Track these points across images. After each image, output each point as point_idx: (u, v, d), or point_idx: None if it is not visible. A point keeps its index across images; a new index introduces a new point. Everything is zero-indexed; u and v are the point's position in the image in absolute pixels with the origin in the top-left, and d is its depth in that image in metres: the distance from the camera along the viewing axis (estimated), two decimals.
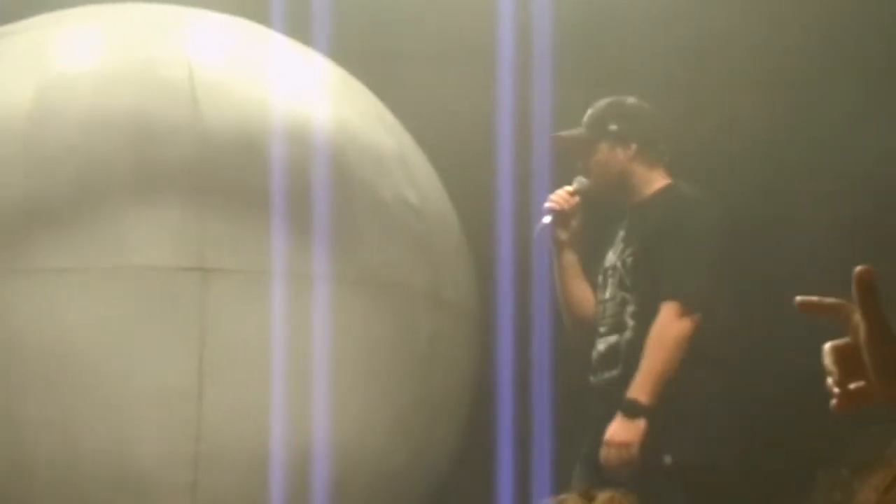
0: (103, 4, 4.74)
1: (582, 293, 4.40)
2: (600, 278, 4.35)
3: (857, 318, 1.38)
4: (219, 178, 4.24)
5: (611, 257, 4.33)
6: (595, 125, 4.35)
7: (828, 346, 1.42)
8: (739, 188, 4.76)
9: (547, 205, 4.36)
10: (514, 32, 4.46)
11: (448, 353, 4.47)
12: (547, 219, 4.35)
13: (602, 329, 4.26)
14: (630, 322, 4.18)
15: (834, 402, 1.42)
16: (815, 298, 1.44)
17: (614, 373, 4.18)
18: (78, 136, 4.21)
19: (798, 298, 1.45)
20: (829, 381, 1.42)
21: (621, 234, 4.33)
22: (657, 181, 4.32)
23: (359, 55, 4.98)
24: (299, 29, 4.77)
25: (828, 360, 1.42)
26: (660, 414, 4.04)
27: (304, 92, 4.56)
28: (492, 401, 4.51)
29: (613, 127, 4.32)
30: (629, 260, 4.24)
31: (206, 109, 4.29)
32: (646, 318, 4.10)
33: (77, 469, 4.08)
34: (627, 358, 4.15)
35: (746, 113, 4.86)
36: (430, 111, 4.99)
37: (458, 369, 4.57)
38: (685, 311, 4.04)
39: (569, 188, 4.37)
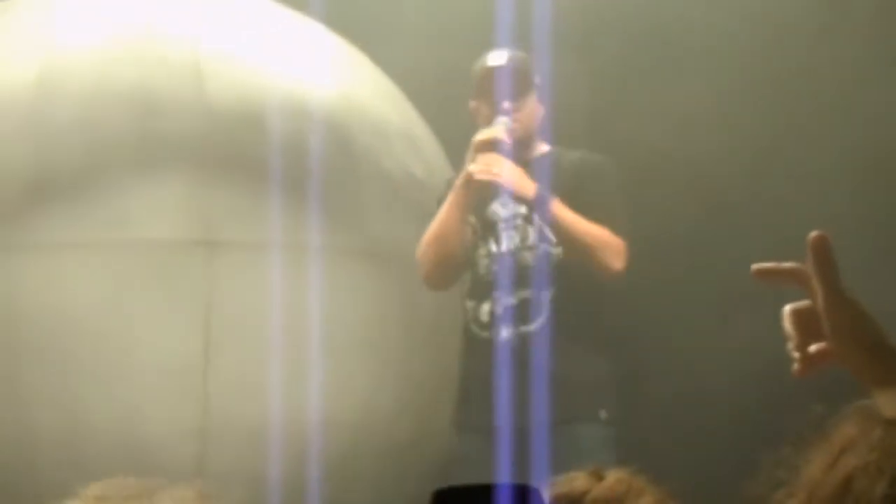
0: None
1: (465, 234, 4.29)
2: (480, 229, 4.22)
3: (815, 282, 1.38)
4: (223, 151, 4.24)
5: (501, 210, 4.21)
6: (529, 72, 4.23)
7: (787, 309, 1.42)
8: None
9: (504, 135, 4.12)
10: (513, 11, 4.43)
11: (453, 324, 4.46)
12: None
13: (506, 281, 4.14)
14: (556, 275, 4.13)
15: (795, 366, 1.42)
16: (771, 265, 1.44)
17: (532, 326, 4.14)
18: (82, 110, 4.22)
19: (754, 267, 1.44)
20: (789, 345, 1.41)
21: None
22: (540, 146, 4.29)
23: (364, 31, 4.98)
24: (306, 3, 4.77)
25: (787, 323, 1.42)
26: (597, 371, 4.08)
27: (308, 66, 4.56)
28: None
29: (538, 81, 4.27)
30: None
31: (210, 84, 4.30)
32: (569, 272, 4.10)
33: (83, 443, 4.09)
34: (559, 310, 4.13)
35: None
36: (430, 87, 5.00)
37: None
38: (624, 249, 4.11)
39: (503, 126, 4.14)
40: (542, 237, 4.15)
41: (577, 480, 2.06)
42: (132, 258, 4.13)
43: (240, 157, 4.25)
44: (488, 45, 4.36)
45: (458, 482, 3.94)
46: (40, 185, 4.15)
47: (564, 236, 4.09)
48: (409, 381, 4.39)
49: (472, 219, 4.22)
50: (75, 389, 4.09)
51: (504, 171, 4.07)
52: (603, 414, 4.11)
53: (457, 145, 4.86)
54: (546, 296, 4.13)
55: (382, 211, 4.37)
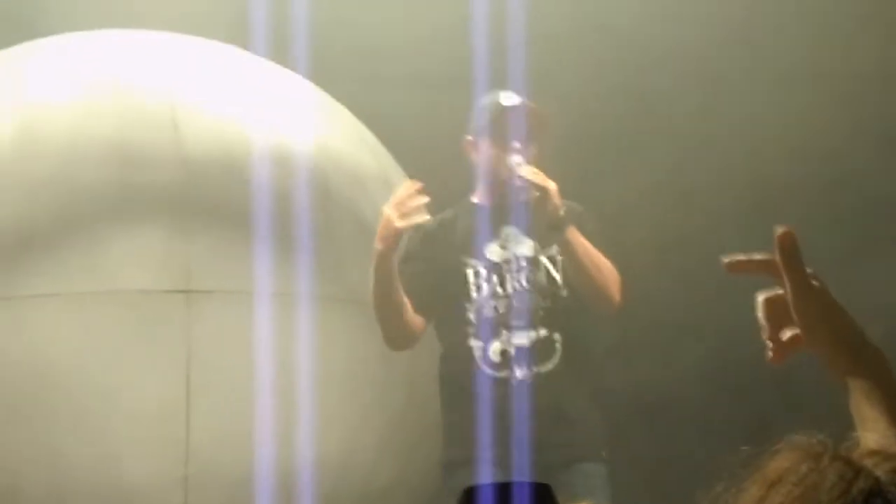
0: (84, 32, 4.80)
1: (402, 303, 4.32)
2: (483, 272, 4.25)
3: (784, 275, 1.41)
4: (201, 201, 4.29)
5: (502, 251, 4.25)
6: (540, 119, 4.27)
7: (761, 298, 1.45)
8: None
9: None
10: (489, 59, 4.49)
11: (429, 370, 4.49)
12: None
13: (517, 322, 4.19)
14: (565, 318, 4.21)
15: (769, 354, 1.45)
16: (742, 257, 1.46)
17: (549, 366, 4.18)
18: (61, 163, 4.27)
19: (725, 260, 1.47)
20: (763, 334, 1.45)
21: (511, 230, 4.24)
22: None
23: (339, 79, 5.04)
24: (281, 53, 4.82)
25: (761, 314, 1.45)
26: (598, 410, 4.20)
27: (284, 114, 4.61)
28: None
29: (542, 131, 4.28)
30: (559, 258, 4.22)
31: (186, 134, 4.35)
32: (577, 315, 4.18)
33: (66, 495, 4.10)
34: (567, 351, 4.18)
35: None
36: (409, 135, 5.05)
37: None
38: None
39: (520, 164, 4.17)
40: (549, 279, 4.20)
41: None
42: (112, 309, 4.17)
43: (217, 205, 4.29)
44: (464, 91, 4.41)
45: None
46: (20, 238, 4.19)
47: (579, 262, 4.15)
48: (388, 424, 4.42)
49: (473, 260, 4.26)
50: (56, 441, 4.11)
51: (549, 183, 4.10)
52: (604, 453, 4.19)
53: (433, 190, 4.92)
54: (558, 337, 4.19)
55: (359, 257, 4.41)
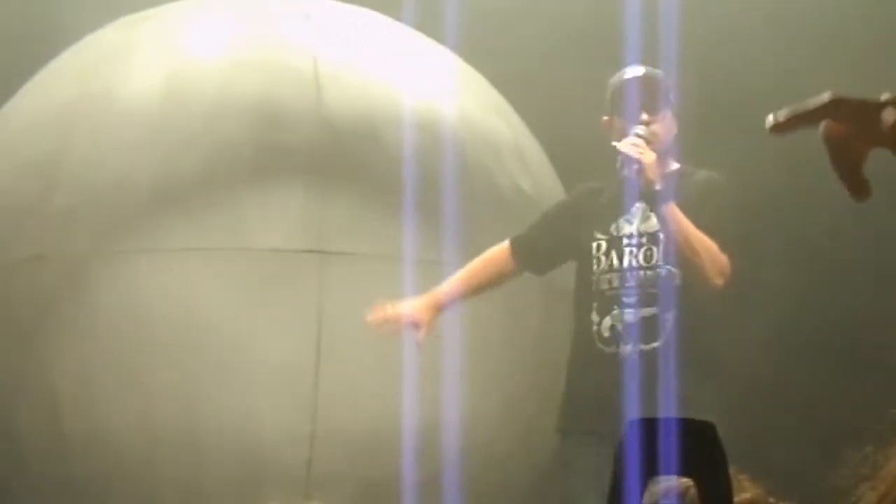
0: None
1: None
2: (604, 245, 4.26)
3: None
4: (340, 163, 4.36)
5: (626, 226, 4.25)
6: (666, 87, 4.26)
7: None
8: None
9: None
10: (635, 31, 4.47)
11: (557, 341, 4.51)
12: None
13: (627, 299, 4.20)
14: (677, 298, 4.16)
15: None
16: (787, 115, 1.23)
17: (656, 344, 4.17)
18: (205, 121, 4.36)
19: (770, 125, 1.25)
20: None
21: (640, 205, 4.23)
22: (670, 163, 4.28)
23: (480, 48, 5.06)
24: (424, 21, 4.86)
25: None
26: (707, 391, 4.15)
27: (424, 81, 4.65)
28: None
29: (673, 98, 4.28)
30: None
31: (328, 96, 4.41)
32: (691, 296, 4.15)
33: (198, 440, 4.22)
34: (678, 330, 4.14)
35: None
36: (546, 105, 5.06)
37: (566, 357, 4.60)
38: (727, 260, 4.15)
39: (640, 134, 4.15)
40: (667, 258, 4.19)
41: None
42: (247, 266, 4.26)
43: (354, 168, 4.35)
44: (608, 62, 4.40)
45: (563, 484, 3.96)
46: (164, 194, 4.29)
47: (675, 238, 4.11)
48: (512, 395, 4.45)
49: (600, 234, 4.28)
50: (193, 390, 4.22)
51: (647, 155, 4.08)
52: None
53: (566, 161, 4.93)
54: (669, 316, 4.18)
55: (492, 224, 4.44)
